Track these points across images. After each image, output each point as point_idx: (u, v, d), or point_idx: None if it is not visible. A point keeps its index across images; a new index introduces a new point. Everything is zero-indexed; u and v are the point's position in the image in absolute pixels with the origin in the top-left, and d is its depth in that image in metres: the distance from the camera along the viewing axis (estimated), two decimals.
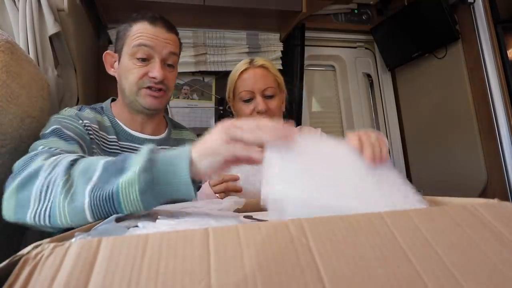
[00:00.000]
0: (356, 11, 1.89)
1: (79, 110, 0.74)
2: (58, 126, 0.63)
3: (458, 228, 0.26)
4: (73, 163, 0.47)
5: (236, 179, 0.72)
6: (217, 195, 0.71)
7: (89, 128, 0.69)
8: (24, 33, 0.90)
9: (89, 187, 0.43)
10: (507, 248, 0.24)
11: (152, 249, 0.22)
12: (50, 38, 0.97)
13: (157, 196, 0.43)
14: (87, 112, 0.73)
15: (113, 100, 0.85)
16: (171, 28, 0.78)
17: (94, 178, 0.44)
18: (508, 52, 1.34)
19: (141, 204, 0.42)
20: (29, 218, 0.45)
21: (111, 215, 0.42)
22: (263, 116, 0.88)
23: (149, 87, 0.74)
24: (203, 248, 0.22)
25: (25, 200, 0.45)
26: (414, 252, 0.23)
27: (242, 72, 0.90)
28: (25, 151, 0.69)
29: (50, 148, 0.56)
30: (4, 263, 0.21)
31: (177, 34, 0.81)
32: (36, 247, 0.22)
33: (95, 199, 0.42)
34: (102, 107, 0.80)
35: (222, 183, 0.72)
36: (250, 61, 0.92)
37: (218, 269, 0.21)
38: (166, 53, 0.75)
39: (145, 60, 0.74)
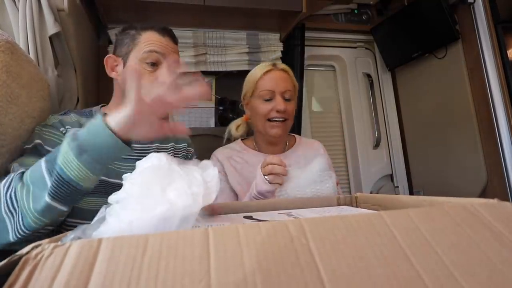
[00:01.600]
0: (356, 11, 1.89)
1: (64, 114, 0.77)
2: (39, 141, 0.66)
3: (458, 228, 0.26)
4: (22, 173, 0.53)
5: (282, 163, 0.75)
6: (267, 177, 0.75)
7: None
8: (24, 33, 0.90)
9: (42, 182, 0.49)
10: (507, 248, 0.24)
11: (152, 249, 0.22)
12: (50, 38, 0.97)
13: (94, 155, 0.48)
14: (71, 117, 0.76)
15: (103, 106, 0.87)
16: (176, 40, 0.85)
17: (43, 173, 0.50)
18: (508, 52, 1.34)
19: (85, 167, 0.48)
20: (12, 237, 0.50)
21: (76, 195, 0.49)
22: (281, 115, 0.92)
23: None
24: (203, 247, 0.22)
25: (2, 227, 0.50)
26: (413, 252, 0.23)
27: (265, 73, 0.95)
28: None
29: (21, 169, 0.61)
30: (3, 262, 0.21)
31: (177, 44, 0.87)
32: (36, 247, 0.22)
33: (51, 188, 0.48)
34: (91, 111, 0.82)
35: (268, 165, 0.75)
36: (273, 64, 0.97)
37: (218, 269, 0.21)
38: (172, 61, 0.79)
39: (154, 65, 0.78)
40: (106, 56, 0.83)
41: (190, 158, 0.93)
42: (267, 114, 0.93)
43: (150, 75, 0.77)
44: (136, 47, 0.79)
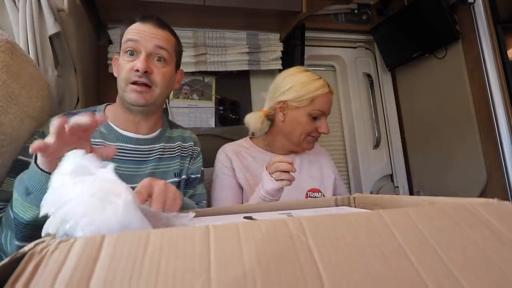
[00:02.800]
0: (356, 11, 1.89)
1: (60, 117, 0.77)
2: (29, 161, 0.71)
3: (457, 227, 0.26)
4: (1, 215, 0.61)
5: (289, 161, 0.77)
6: (273, 175, 0.76)
7: None
8: (24, 33, 0.90)
9: (11, 226, 0.56)
10: (506, 246, 0.24)
11: (153, 246, 0.22)
12: (50, 38, 0.97)
13: (38, 194, 0.51)
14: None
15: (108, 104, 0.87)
16: (163, 25, 0.79)
17: (12, 217, 0.56)
18: (508, 52, 1.34)
19: (35, 206, 0.52)
20: None
21: (40, 231, 0.50)
22: (319, 135, 1.00)
23: (134, 82, 0.74)
24: (204, 245, 0.22)
25: None
26: (412, 250, 0.23)
27: (325, 94, 0.97)
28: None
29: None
30: (7, 259, 0.21)
31: (171, 32, 0.81)
32: (40, 243, 0.22)
33: (15, 232, 0.55)
34: (94, 111, 0.82)
35: (275, 163, 0.77)
36: (328, 85, 1.00)
37: (218, 265, 0.21)
38: (151, 46, 0.75)
39: (132, 54, 0.75)
40: (114, 57, 0.84)
41: (197, 157, 0.93)
42: (311, 132, 0.98)
43: (128, 64, 0.74)
44: (122, 41, 0.78)
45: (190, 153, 0.92)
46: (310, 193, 0.99)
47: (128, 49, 0.75)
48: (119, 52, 0.80)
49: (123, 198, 0.30)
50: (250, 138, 1.09)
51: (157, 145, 0.84)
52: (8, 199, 0.67)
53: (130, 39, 0.74)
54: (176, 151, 0.88)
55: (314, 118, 0.96)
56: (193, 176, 0.90)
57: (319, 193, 1.00)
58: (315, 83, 0.97)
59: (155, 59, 0.76)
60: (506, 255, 0.23)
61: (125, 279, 0.20)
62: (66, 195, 0.30)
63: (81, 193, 0.30)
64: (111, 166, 0.35)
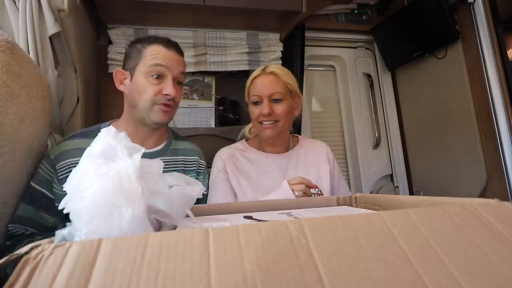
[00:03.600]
0: (356, 11, 1.89)
1: (67, 139, 0.80)
2: (39, 190, 0.73)
3: (457, 228, 0.26)
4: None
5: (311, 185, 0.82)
6: (296, 193, 0.80)
7: (64, 168, 0.76)
8: (24, 33, 0.90)
9: None
10: (507, 247, 0.24)
11: (152, 249, 0.22)
12: (50, 38, 0.97)
13: None
14: (72, 146, 0.78)
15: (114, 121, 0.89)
16: (181, 52, 0.87)
17: None
18: (508, 52, 1.34)
19: None
20: None
21: None
22: (267, 119, 0.95)
23: (163, 104, 0.81)
24: (203, 248, 0.22)
25: None
26: (413, 252, 0.23)
27: (254, 78, 0.99)
28: (25, 151, 0.70)
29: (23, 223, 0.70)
30: (1, 261, 0.21)
31: (183, 56, 0.89)
32: (36, 247, 0.22)
33: None
34: (100, 127, 0.84)
35: (301, 183, 0.81)
36: (263, 68, 1.00)
37: (218, 269, 0.21)
38: (177, 73, 0.83)
39: (159, 78, 0.80)
40: (115, 70, 0.85)
41: (204, 173, 0.95)
42: (257, 118, 0.97)
43: (155, 87, 0.79)
44: (141, 61, 0.81)
45: (196, 167, 0.93)
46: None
47: (156, 73, 0.80)
48: (131, 66, 0.82)
49: (131, 210, 0.31)
50: (247, 140, 1.10)
51: (162, 158, 0.84)
52: (24, 223, 0.70)
53: (159, 64, 0.80)
54: (179, 164, 0.89)
55: (256, 104, 0.97)
56: (206, 192, 0.92)
57: (316, 189, 1.01)
58: (250, 76, 1.01)
59: (176, 82, 0.84)
60: (507, 256, 0.23)
61: (123, 283, 0.19)
62: (83, 190, 0.31)
63: (95, 192, 0.31)
64: (138, 155, 0.35)
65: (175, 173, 0.46)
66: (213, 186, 0.96)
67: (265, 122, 0.96)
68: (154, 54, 0.80)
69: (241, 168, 0.98)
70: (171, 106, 0.83)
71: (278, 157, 1.01)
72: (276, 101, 0.96)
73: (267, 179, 0.96)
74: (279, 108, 0.96)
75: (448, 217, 0.27)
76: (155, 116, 0.81)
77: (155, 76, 0.80)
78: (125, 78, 0.84)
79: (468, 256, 0.23)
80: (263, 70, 0.99)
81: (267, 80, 0.97)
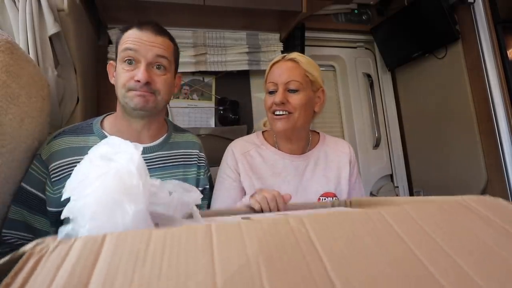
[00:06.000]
0: (356, 11, 1.89)
1: (56, 137, 0.75)
2: (31, 191, 0.70)
3: (447, 215, 0.28)
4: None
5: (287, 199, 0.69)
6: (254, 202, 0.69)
7: (57, 169, 0.72)
8: (24, 33, 0.90)
9: None
10: (497, 231, 0.25)
11: (155, 243, 0.22)
12: (50, 38, 0.97)
13: None
14: (63, 145, 0.74)
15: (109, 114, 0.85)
16: (160, 31, 0.77)
17: None
18: (508, 52, 1.34)
19: None
20: None
21: None
22: (280, 108, 0.85)
23: (135, 90, 0.74)
24: (206, 241, 0.22)
25: None
26: (407, 234, 0.25)
27: (273, 65, 0.91)
28: (25, 151, 0.70)
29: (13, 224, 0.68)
30: (5, 259, 0.21)
31: (169, 37, 0.80)
32: (39, 244, 0.22)
33: None
34: (91, 123, 0.80)
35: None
36: (284, 55, 0.91)
37: (221, 260, 0.21)
38: (151, 56, 0.74)
39: (131, 63, 0.73)
40: (108, 64, 0.82)
41: (204, 165, 0.90)
42: (270, 108, 0.88)
43: (126, 74, 0.73)
44: (118, 48, 0.76)
45: (196, 161, 0.88)
46: (323, 198, 0.89)
47: (127, 58, 0.73)
48: (115, 58, 0.78)
49: (134, 206, 0.31)
50: (263, 132, 1.00)
51: (160, 153, 0.82)
52: (17, 229, 0.67)
53: (128, 48, 0.72)
54: (180, 158, 0.85)
55: (271, 93, 0.88)
56: (207, 187, 0.89)
57: (333, 198, 0.89)
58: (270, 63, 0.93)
59: (155, 67, 0.76)
60: (498, 238, 0.25)
61: (127, 275, 0.20)
62: (84, 189, 0.31)
63: (97, 190, 0.31)
64: (137, 152, 0.35)
65: (174, 180, 0.46)
66: (220, 181, 0.90)
67: (277, 112, 0.86)
68: (125, 39, 0.74)
69: (255, 167, 0.90)
70: (147, 92, 0.74)
71: (295, 159, 0.91)
72: (293, 91, 0.86)
73: (282, 183, 0.88)
74: (295, 99, 0.85)
75: (443, 210, 0.28)
76: (131, 101, 0.73)
77: (127, 61, 0.73)
78: (114, 71, 0.80)
79: (461, 237, 0.25)
80: (284, 56, 0.90)
81: (286, 66, 0.87)
